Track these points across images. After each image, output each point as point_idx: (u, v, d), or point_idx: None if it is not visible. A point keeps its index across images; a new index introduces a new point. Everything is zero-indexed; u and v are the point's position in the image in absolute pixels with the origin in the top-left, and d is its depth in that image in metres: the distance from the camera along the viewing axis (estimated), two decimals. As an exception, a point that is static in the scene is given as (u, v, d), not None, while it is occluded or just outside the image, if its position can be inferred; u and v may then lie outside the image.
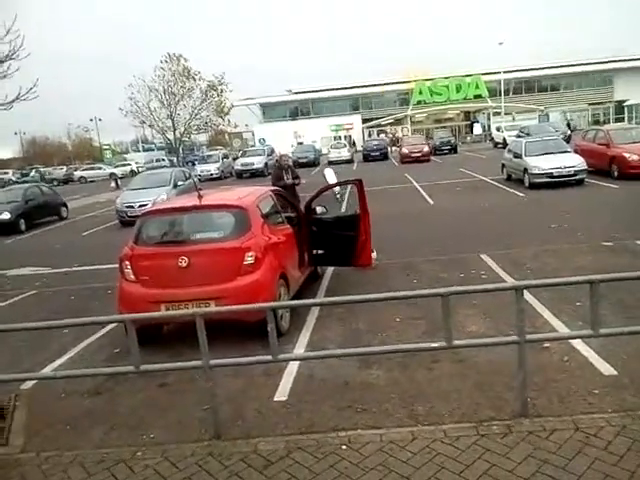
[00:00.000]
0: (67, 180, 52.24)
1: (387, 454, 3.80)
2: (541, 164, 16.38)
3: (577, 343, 5.22)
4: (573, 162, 16.44)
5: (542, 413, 4.16)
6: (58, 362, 6.17)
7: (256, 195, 6.95)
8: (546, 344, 5.29)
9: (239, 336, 6.09)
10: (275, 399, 4.85)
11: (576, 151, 18.28)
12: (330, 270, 8.84)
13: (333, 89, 64.34)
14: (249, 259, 5.94)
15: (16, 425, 4.82)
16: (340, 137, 55.35)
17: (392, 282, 7.96)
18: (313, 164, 38.60)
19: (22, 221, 18.35)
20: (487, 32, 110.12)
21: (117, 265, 6.41)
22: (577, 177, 16.20)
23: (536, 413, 4.15)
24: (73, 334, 6.88)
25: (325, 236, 7.64)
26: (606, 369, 4.77)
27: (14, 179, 49.17)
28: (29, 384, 5.57)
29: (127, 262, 6.20)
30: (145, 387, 5.31)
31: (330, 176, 11.16)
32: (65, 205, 21.74)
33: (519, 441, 3.80)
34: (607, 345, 5.07)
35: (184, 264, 5.87)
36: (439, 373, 5.02)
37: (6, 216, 17.87)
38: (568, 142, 23.23)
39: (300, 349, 5.83)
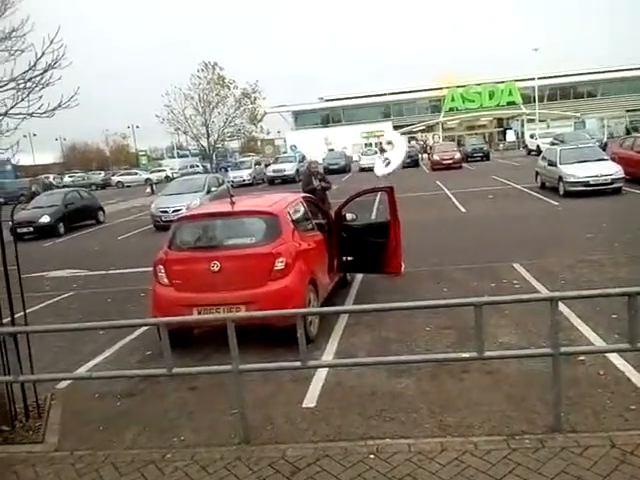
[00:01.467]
0: (105, 185, 53.59)
1: (415, 465, 3.77)
2: (576, 172, 16.04)
3: (613, 357, 5.08)
4: (610, 170, 16.05)
5: (576, 428, 4.06)
6: (93, 363, 6.33)
7: (287, 201, 7.00)
8: (581, 357, 5.17)
9: (268, 341, 6.13)
10: (304, 405, 4.86)
11: (613, 159, 17.84)
12: (359, 277, 8.83)
13: (364, 96, 64.48)
14: (279, 265, 5.99)
15: (51, 424, 4.95)
16: (371, 144, 55.28)
17: (422, 290, 7.89)
18: (344, 170, 38.71)
19: (61, 224, 18.91)
20: (521, 38, 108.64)
21: (151, 268, 6.55)
22: (614, 185, 15.79)
23: (570, 428, 4.06)
24: (108, 335, 7.03)
25: (355, 243, 7.64)
26: (644, 384, 4.63)
27: (55, 183, 50.56)
28: (65, 384, 5.73)
29: (161, 266, 6.32)
30: (176, 390, 5.40)
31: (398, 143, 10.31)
32: (102, 209, 22.30)
33: (552, 456, 3.71)
34: (645, 360, 4.92)
35: (216, 269, 5.95)
36: (469, 384, 4.95)
37: (46, 219, 18.42)
38: (604, 150, 22.66)
39: (329, 356, 5.84)
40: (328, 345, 6.15)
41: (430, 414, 4.50)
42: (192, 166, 53.34)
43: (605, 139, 36.68)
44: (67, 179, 55.89)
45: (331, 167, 37.88)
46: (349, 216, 7.80)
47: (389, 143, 9.64)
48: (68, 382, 5.74)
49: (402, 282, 8.25)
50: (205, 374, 5.15)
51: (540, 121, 51.55)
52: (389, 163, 9.30)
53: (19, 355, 4.59)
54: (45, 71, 5.90)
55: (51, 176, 57.40)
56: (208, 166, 42.43)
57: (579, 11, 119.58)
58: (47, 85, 6.06)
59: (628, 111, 59.84)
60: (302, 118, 68.44)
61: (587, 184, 15.78)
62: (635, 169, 17.09)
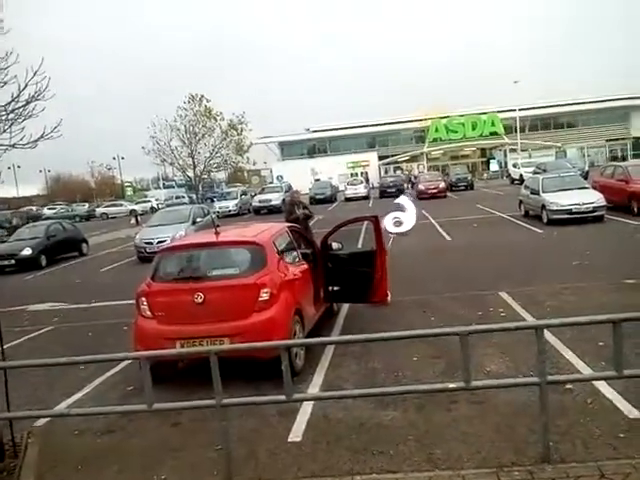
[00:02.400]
0: (89, 216, 53.24)
1: (404, 500, 3.67)
2: (559, 200, 16.27)
3: (601, 385, 5.05)
4: (592, 198, 16.31)
5: (565, 459, 4.00)
6: (72, 399, 6.16)
7: (272, 231, 6.98)
8: (569, 385, 5.14)
9: (253, 374, 6.02)
10: (289, 440, 4.75)
11: (594, 187, 18.16)
12: (346, 307, 8.77)
13: (350, 127, 65.38)
14: (264, 295, 5.92)
15: (27, 463, 4.77)
16: (357, 174, 55.81)
17: (409, 320, 7.85)
18: (330, 200, 38.90)
19: (43, 257, 18.63)
20: (502, 70, 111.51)
21: (134, 301, 6.44)
22: (596, 213, 16.03)
23: (559, 459, 4.00)
24: (89, 371, 6.87)
25: (341, 272, 7.61)
26: (630, 412, 4.60)
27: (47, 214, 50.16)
28: (42, 421, 5.55)
29: (144, 298, 6.22)
30: (158, 426, 5.25)
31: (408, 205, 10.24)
32: (86, 241, 22.07)
33: (542, 488, 3.64)
34: (631, 387, 4.90)
35: (200, 300, 5.87)
36: (457, 415, 4.88)
37: (28, 252, 18.17)
38: (586, 178, 23.09)
39: (315, 388, 5.74)
40: (314, 377, 6.05)
41: (418, 446, 4.41)
42: (178, 197, 53.38)
43: (586, 168, 37.42)
44: (47, 211, 55.19)
45: (317, 197, 38.09)
46: (335, 245, 7.79)
47: (401, 209, 9.85)
48: (46, 419, 5.56)
49: (389, 311, 8.21)
50: (188, 409, 5.03)
51: (522, 151, 52.58)
52: (400, 223, 9.49)
53: (-5, 392, 4.45)
54: (28, 103, 5.90)
55: (34, 208, 57.03)
56: (194, 197, 42.38)
57: (560, 43, 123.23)
58: (30, 117, 6.05)
59: (608, 140, 61.30)
60: (288, 149, 69.10)
61: (570, 212, 16.00)
62: (616, 197, 17.39)
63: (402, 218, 9.76)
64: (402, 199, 10.82)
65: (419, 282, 10.38)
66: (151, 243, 16.62)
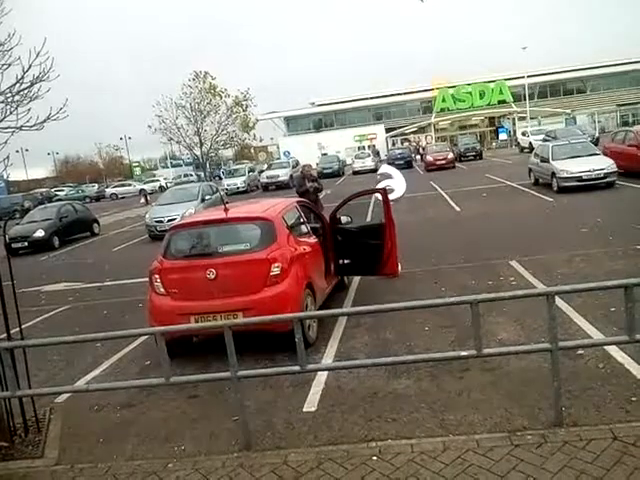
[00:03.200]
0: (99, 197, 53.47)
1: (418, 465, 3.75)
2: (569, 167, 16.09)
3: (612, 350, 5.08)
4: (602, 165, 16.11)
5: (578, 422, 4.05)
6: (91, 375, 6.29)
7: (281, 207, 6.99)
8: (580, 351, 5.17)
9: (268, 347, 6.11)
10: (304, 410, 4.83)
11: (605, 153, 17.91)
12: (357, 280, 8.82)
13: (356, 100, 64.60)
14: (275, 270, 5.97)
15: (51, 438, 4.91)
16: (364, 147, 55.39)
17: (420, 291, 7.89)
18: (337, 174, 38.78)
19: (55, 238, 18.83)
20: (510, 36, 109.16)
21: (147, 279, 6.52)
22: (607, 180, 15.84)
23: (571, 422, 4.05)
24: (106, 347, 7.01)
25: (351, 246, 7.63)
26: (643, 375, 4.63)
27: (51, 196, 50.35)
28: (63, 397, 5.69)
29: (156, 275, 6.29)
30: (176, 399, 5.37)
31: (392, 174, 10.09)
32: (97, 221, 22.25)
33: (555, 451, 3.70)
34: (644, 351, 4.92)
35: (212, 276, 5.93)
36: (469, 382, 4.94)
37: (40, 234, 18.35)
38: (596, 145, 22.77)
39: (328, 359, 5.81)
40: (327, 348, 6.13)
41: (431, 414, 4.48)
42: (186, 175, 53.37)
43: (597, 134, 36.86)
44: (58, 192, 54.96)
45: (325, 171, 37.94)
46: (344, 219, 7.79)
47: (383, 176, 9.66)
48: (67, 396, 5.70)
49: (399, 283, 8.24)
50: (204, 382, 5.13)
51: (531, 118, 51.82)
52: (392, 191, 9.28)
53: (16, 370, 4.55)
54: (33, 84, 5.87)
55: (48, 190, 57.26)
56: (202, 175, 42.38)
57: (568, 6, 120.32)
58: (35, 98, 6.02)
59: (619, 105, 60.15)
60: (294, 124, 68.56)
61: (580, 179, 15.83)
62: (627, 163, 17.15)
63: (392, 185, 9.66)
64: (385, 167, 10.70)
65: (429, 253, 10.38)
66: (161, 221, 16.70)
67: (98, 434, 4.90)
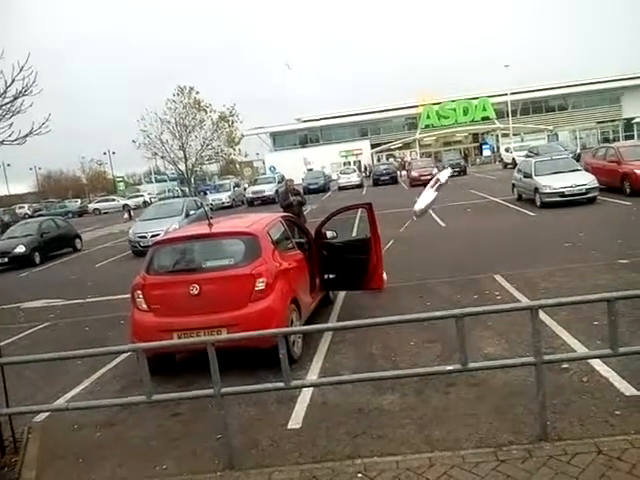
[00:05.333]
0: (81, 212, 52.93)
1: (404, 482, 3.70)
2: (552, 183, 16.30)
3: (596, 363, 5.10)
4: (584, 180, 16.35)
5: (563, 436, 4.05)
6: (71, 393, 6.16)
7: (266, 221, 6.97)
8: (565, 365, 5.18)
9: (252, 363, 6.04)
10: (289, 427, 4.77)
11: (587, 169, 18.21)
12: (342, 294, 8.79)
13: (341, 116, 65.04)
14: (260, 285, 5.93)
15: (28, 459, 4.78)
16: (350, 163, 55.71)
17: (405, 305, 7.88)
18: (323, 190, 38.84)
19: (37, 254, 18.54)
20: (493, 54, 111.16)
21: (129, 295, 6.43)
22: (589, 195, 16.07)
23: (556, 436, 4.04)
24: (87, 365, 6.88)
25: (336, 260, 7.61)
26: (627, 389, 4.64)
27: (30, 213, 49.77)
28: (42, 416, 5.56)
29: (139, 291, 6.21)
30: (158, 417, 5.26)
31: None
32: (79, 237, 21.98)
33: (540, 466, 3.68)
34: (627, 364, 4.95)
35: (195, 292, 5.87)
36: (455, 397, 4.92)
37: (21, 249, 18.08)
38: (578, 161, 23.15)
39: (313, 375, 5.76)
40: (312, 364, 6.08)
41: (417, 429, 4.45)
42: (170, 190, 53.10)
43: (578, 150, 37.49)
44: (22, 210, 51.97)
45: (310, 187, 37.97)
46: (329, 234, 7.77)
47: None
48: (46, 415, 5.57)
49: (385, 298, 8.23)
50: (187, 400, 5.04)
51: (514, 135, 52.56)
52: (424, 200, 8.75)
53: (-7, 388, 4.44)
54: (15, 98, 5.83)
55: (26, 206, 56.56)
56: (187, 190, 42.22)
57: (550, 27, 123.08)
58: (17, 112, 5.98)
59: (599, 122, 61.32)
60: (280, 139, 68.80)
61: (562, 194, 16.04)
62: (608, 178, 17.44)
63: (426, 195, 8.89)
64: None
65: (415, 268, 10.40)
66: (145, 237, 16.55)
67: (77, 454, 4.79)
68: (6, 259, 17.96)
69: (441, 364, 5.48)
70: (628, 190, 16.48)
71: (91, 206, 54.29)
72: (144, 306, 6.14)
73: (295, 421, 4.84)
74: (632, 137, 55.84)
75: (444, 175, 9.25)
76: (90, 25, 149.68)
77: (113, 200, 54.36)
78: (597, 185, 16.22)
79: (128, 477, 4.30)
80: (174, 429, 5.03)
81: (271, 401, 5.25)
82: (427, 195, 8.88)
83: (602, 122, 61.48)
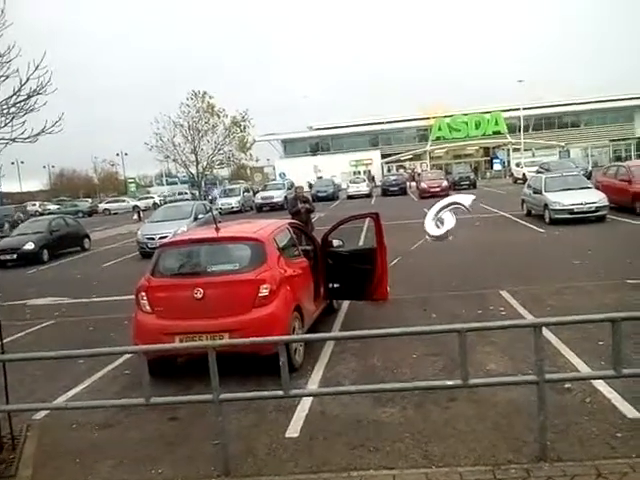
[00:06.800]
0: (91, 212, 53.27)
1: (400, 496, 3.67)
2: (562, 200, 16.22)
3: (599, 384, 5.05)
4: (594, 198, 16.26)
5: (562, 457, 3.99)
6: (72, 392, 6.17)
7: (273, 228, 6.97)
8: (568, 384, 5.13)
9: (254, 370, 6.02)
10: (287, 436, 4.75)
11: (597, 187, 18.11)
12: (346, 304, 8.76)
13: (353, 125, 65.17)
14: (264, 291, 5.92)
15: (26, 456, 4.78)
16: (359, 172, 55.74)
17: (409, 317, 7.84)
18: (332, 198, 38.87)
19: (45, 252, 18.66)
20: (508, 69, 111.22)
21: (134, 296, 6.44)
22: (598, 213, 15.99)
23: (556, 457, 3.99)
24: (88, 364, 6.89)
25: (341, 269, 7.60)
26: (629, 411, 4.59)
27: (40, 211, 50.11)
28: (42, 414, 5.56)
29: (143, 293, 6.23)
30: (156, 420, 5.26)
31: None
32: (88, 237, 22.10)
33: (538, 486, 3.64)
34: (631, 386, 4.88)
35: (199, 296, 5.87)
36: (455, 412, 4.88)
37: (30, 246, 18.20)
38: (589, 178, 23.02)
39: (313, 385, 5.74)
40: (313, 373, 6.05)
41: (415, 444, 4.41)
42: (180, 193, 53.33)
43: (590, 168, 37.32)
44: (33, 207, 51.83)
45: (319, 195, 38.01)
46: (335, 242, 7.77)
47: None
48: (45, 413, 5.58)
49: (389, 309, 8.19)
50: (186, 404, 5.04)
51: (525, 150, 52.42)
52: (442, 224, 7.96)
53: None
54: (30, 97, 5.89)
55: (37, 203, 56.98)
56: (197, 193, 42.39)
57: (565, 43, 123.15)
58: (31, 110, 6.05)
59: (611, 140, 61.04)
60: (291, 146, 69.00)
61: (572, 212, 15.96)
62: (619, 197, 17.34)
63: (446, 220, 8.01)
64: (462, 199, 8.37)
65: (420, 280, 10.37)
66: (153, 239, 16.59)
67: (74, 454, 4.79)
68: (15, 255, 18.08)
69: (443, 378, 5.44)
70: (639, 210, 16.36)
71: (101, 206, 54.66)
72: (148, 308, 6.16)
73: (293, 430, 4.82)
74: (645, 156, 55.55)
75: (467, 200, 8.27)
76: (108, 25, 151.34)
77: (123, 201, 54.73)
78: (607, 204, 16.13)
79: (124, 479, 4.29)
80: (171, 433, 5.02)
81: (270, 409, 5.22)
82: (445, 217, 8.11)
83: (614, 140, 61.14)
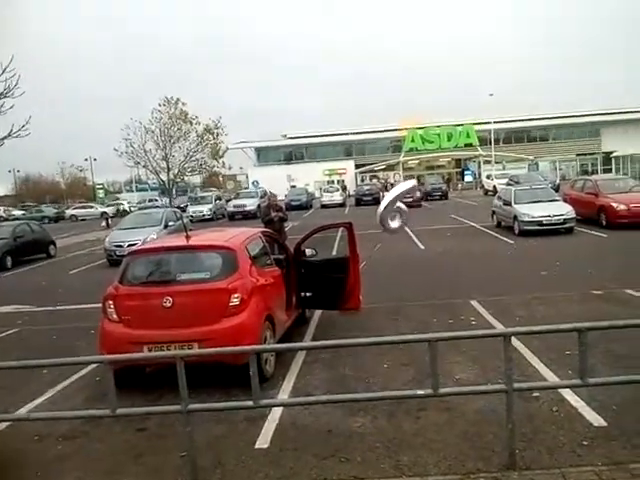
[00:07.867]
0: (58, 218, 52.07)
1: (370, 507, 3.64)
2: (531, 212, 16.57)
3: (566, 393, 5.13)
4: (562, 210, 16.66)
5: (530, 465, 4.03)
6: (35, 403, 5.98)
7: (245, 236, 6.92)
8: (536, 393, 5.19)
9: (223, 380, 5.94)
10: (256, 446, 4.68)
11: (565, 200, 18.56)
12: (318, 313, 8.74)
13: (327, 135, 65.51)
14: (235, 300, 5.85)
15: (-16, 470, 4.61)
16: (333, 181, 55.98)
17: (381, 327, 7.85)
18: (305, 207, 38.91)
19: (9, 258, 18.15)
20: (479, 83, 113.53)
21: (101, 305, 6.30)
22: (566, 225, 16.38)
23: (524, 465, 4.03)
24: (53, 374, 6.69)
25: (314, 279, 7.58)
26: (595, 420, 4.67)
27: (5, 216, 48.89)
28: (2, 425, 5.37)
29: (110, 302, 6.09)
30: (123, 431, 5.13)
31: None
32: (53, 243, 21.55)
33: (507, 495, 3.66)
34: (597, 395, 4.98)
35: (168, 304, 5.77)
36: (425, 422, 4.89)
37: (-7, 252, 17.68)
38: (557, 191, 23.59)
39: (284, 395, 5.68)
40: (284, 383, 6.00)
41: (386, 453, 4.40)
42: (150, 200, 52.60)
43: (558, 181, 38.24)
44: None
45: (293, 203, 37.99)
46: (308, 251, 7.76)
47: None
48: (6, 424, 5.38)
49: (361, 318, 8.19)
50: (153, 414, 4.93)
51: (496, 163, 53.48)
52: (397, 217, 8.34)
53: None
54: (-5, 99, 5.74)
55: (1, 209, 55.56)
56: (166, 200, 41.90)
57: (534, 60, 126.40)
58: (-2, 114, 5.89)
59: (578, 155, 62.74)
60: (265, 154, 68.89)
61: (541, 223, 16.31)
62: (585, 210, 17.79)
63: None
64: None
65: (392, 289, 10.41)
66: (121, 246, 16.27)
67: (35, 466, 4.63)
68: (-23, 262, 17.53)
69: (414, 388, 5.44)
70: (604, 222, 16.82)
71: (68, 212, 53.43)
72: (115, 317, 6.02)
73: (263, 440, 4.76)
74: (610, 171, 57.09)
75: (409, 184, 9.40)
76: (73, 26, 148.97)
77: (91, 207, 53.64)
78: (574, 216, 16.54)
79: (87, 493, 4.17)
80: (139, 444, 4.90)
81: (240, 419, 5.15)
82: (399, 209, 8.72)
83: (582, 154, 62.88)
